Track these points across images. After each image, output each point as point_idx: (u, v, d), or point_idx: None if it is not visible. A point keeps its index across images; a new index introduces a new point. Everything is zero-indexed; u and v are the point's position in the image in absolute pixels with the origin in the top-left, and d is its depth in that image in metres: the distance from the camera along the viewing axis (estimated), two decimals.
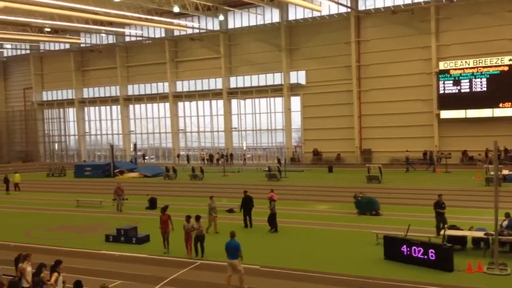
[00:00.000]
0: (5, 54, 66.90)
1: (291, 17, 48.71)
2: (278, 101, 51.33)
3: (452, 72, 40.74)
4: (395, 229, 17.18)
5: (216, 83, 53.84)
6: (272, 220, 19.46)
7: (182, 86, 56.28)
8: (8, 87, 67.93)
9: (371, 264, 14.52)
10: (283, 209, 24.26)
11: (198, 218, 16.05)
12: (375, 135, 45.08)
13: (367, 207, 22.36)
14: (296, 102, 50.25)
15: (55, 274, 10.60)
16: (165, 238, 16.66)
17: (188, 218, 16.15)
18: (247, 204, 20.28)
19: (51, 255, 15.75)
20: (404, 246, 14.44)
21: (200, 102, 55.76)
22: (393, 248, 14.76)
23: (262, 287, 12.92)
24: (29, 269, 11.16)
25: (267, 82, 50.91)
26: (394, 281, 12.89)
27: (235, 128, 54.49)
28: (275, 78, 50.31)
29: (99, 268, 14.85)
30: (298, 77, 49.30)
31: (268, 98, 51.72)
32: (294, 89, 49.54)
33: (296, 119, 50.59)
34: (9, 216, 25.86)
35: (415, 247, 14.17)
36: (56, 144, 65.83)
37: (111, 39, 58.85)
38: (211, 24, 52.41)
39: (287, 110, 50.16)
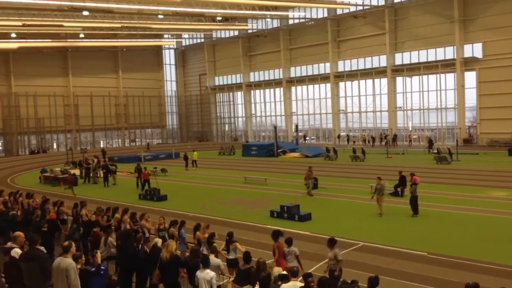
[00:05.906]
0: (183, 44, 74.46)
1: None
2: (449, 77, 47.32)
3: None
4: None
5: (379, 61, 51.89)
6: (413, 203, 18.58)
7: (344, 65, 55.62)
8: (186, 73, 75.52)
9: None
10: (453, 195, 22.56)
11: (332, 242, 11.02)
12: None
13: None
14: (470, 78, 45.70)
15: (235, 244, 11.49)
16: None
17: (289, 242, 11.01)
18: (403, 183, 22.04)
19: (223, 227, 17.15)
20: None
21: (362, 81, 54.45)
22: None
23: (432, 275, 12.12)
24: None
25: (437, 57, 47.33)
26: None
27: (400, 107, 51.95)
28: (446, 53, 46.45)
29: (264, 241, 15.60)
30: (474, 50, 44.68)
31: (438, 74, 47.98)
32: (469, 63, 45.04)
33: (471, 97, 46.07)
34: (188, 189, 28.83)
35: None
36: (227, 125, 71.29)
37: (275, 23, 60.89)
38: None
39: (460, 87, 45.93)
